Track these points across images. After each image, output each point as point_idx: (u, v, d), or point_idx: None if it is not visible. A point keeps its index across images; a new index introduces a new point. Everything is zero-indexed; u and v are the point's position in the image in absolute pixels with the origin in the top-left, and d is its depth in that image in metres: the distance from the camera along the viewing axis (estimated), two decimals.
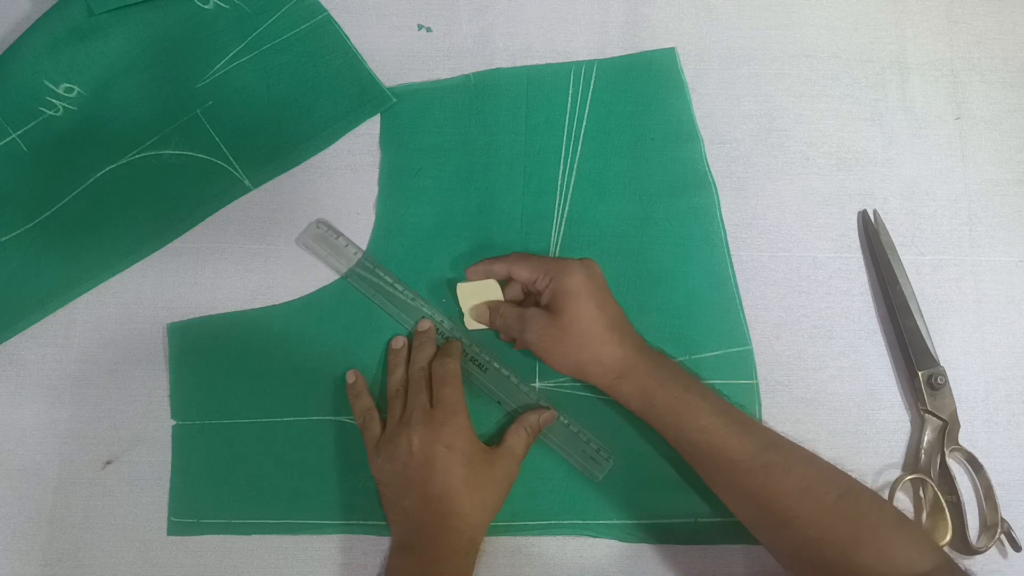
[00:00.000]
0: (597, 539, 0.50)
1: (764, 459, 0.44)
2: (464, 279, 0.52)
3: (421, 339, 0.52)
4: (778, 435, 0.46)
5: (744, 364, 0.53)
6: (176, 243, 0.55)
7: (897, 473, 0.52)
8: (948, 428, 0.51)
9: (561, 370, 0.48)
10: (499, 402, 0.52)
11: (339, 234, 0.54)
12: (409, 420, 0.48)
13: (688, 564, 0.50)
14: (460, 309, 0.52)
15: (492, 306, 0.51)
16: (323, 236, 0.54)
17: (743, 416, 0.46)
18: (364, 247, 0.55)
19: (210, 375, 0.52)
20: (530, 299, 0.51)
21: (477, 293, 0.51)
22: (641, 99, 0.57)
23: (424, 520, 0.46)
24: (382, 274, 0.53)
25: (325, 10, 0.58)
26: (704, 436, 0.45)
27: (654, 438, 0.51)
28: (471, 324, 0.52)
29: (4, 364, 0.53)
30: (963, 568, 0.41)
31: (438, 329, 0.53)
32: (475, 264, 0.51)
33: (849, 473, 0.45)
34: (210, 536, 0.50)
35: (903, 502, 0.51)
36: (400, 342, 0.52)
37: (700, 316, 0.53)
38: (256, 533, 0.50)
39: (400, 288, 0.53)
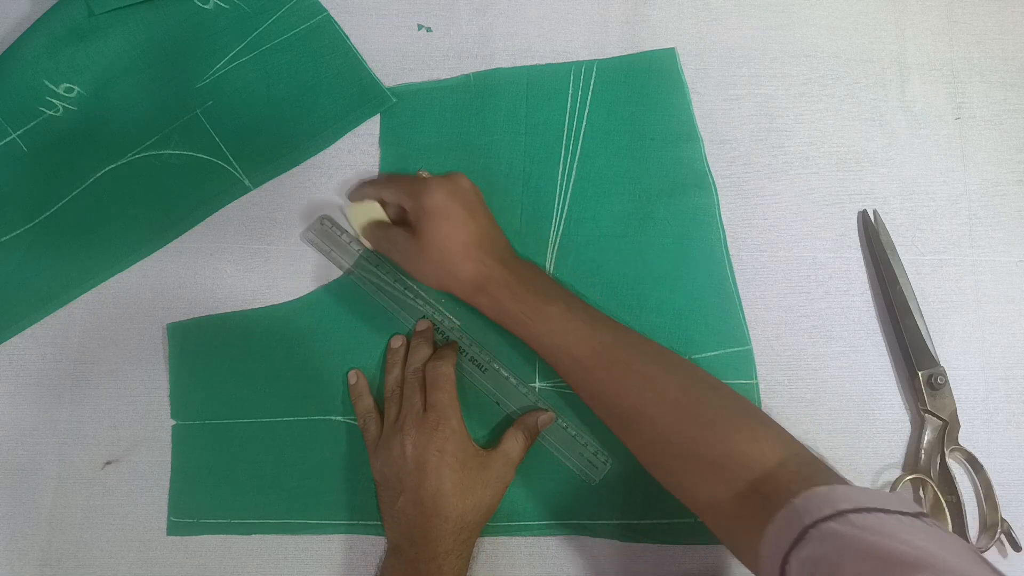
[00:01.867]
0: (597, 539, 0.50)
1: (609, 357, 0.44)
2: None
3: (418, 339, 0.52)
4: (631, 333, 0.47)
5: (744, 364, 0.53)
6: (176, 243, 0.55)
7: (897, 473, 0.52)
8: (948, 428, 0.51)
9: (430, 286, 0.50)
10: (498, 403, 0.52)
11: (343, 231, 0.54)
12: (403, 424, 0.48)
13: (688, 564, 0.50)
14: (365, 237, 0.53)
15: (369, 226, 0.52)
16: (327, 232, 0.54)
17: (598, 316, 0.47)
18: (364, 248, 0.55)
19: (210, 375, 0.52)
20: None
21: (363, 213, 0.52)
22: (641, 99, 0.57)
23: (416, 522, 0.46)
24: (382, 274, 0.53)
25: (325, 10, 0.58)
26: (553, 339, 0.46)
27: None
28: (365, 241, 0.53)
29: (4, 364, 0.53)
30: (818, 457, 0.40)
31: (438, 329, 0.53)
32: (353, 186, 0.54)
33: (726, 383, 0.45)
34: (210, 536, 0.50)
35: None
36: (399, 341, 0.53)
37: (700, 316, 0.53)
38: (256, 533, 0.50)
39: (400, 288, 0.53)
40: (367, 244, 0.53)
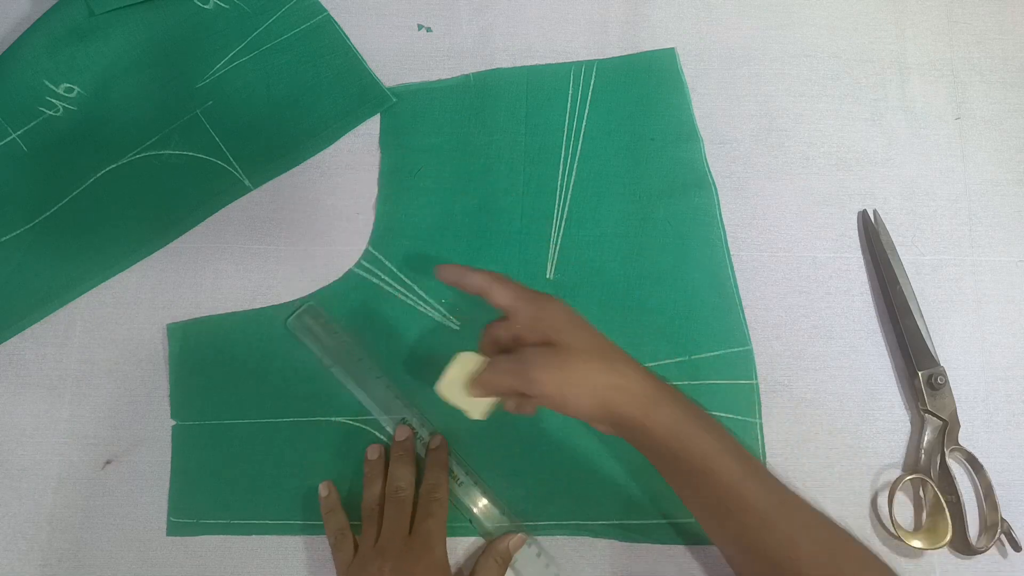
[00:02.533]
0: (597, 539, 0.50)
1: (783, 514, 0.39)
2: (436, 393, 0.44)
3: (398, 452, 0.49)
4: (785, 485, 0.41)
5: (744, 364, 0.53)
6: (176, 243, 0.55)
7: (897, 473, 0.52)
8: (948, 428, 0.51)
9: (581, 409, 0.39)
10: (470, 521, 0.49)
11: (327, 323, 0.53)
12: (384, 549, 0.45)
13: (688, 564, 0.50)
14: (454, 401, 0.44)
15: (485, 369, 0.42)
16: (306, 327, 0.52)
17: (752, 457, 0.41)
18: (364, 248, 0.55)
19: (210, 375, 0.52)
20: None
21: (461, 368, 0.43)
22: (641, 99, 0.57)
23: None
24: (364, 368, 0.51)
25: (325, 10, 0.58)
26: (707, 461, 0.39)
27: None
28: (471, 404, 0.43)
29: (4, 364, 0.53)
30: None
31: (416, 434, 0.51)
32: (447, 265, 0.44)
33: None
34: (210, 536, 0.50)
35: (903, 502, 0.51)
36: (376, 452, 0.50)
37: (700, 316, 0.53)
38: (256, 533, 0.50)
39: (382, 386, 0.51)
40: (474, 407, 0.43)
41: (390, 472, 0.49)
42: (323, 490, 0.50)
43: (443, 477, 0.49)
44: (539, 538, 0.50)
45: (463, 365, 0.43)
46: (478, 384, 0.42)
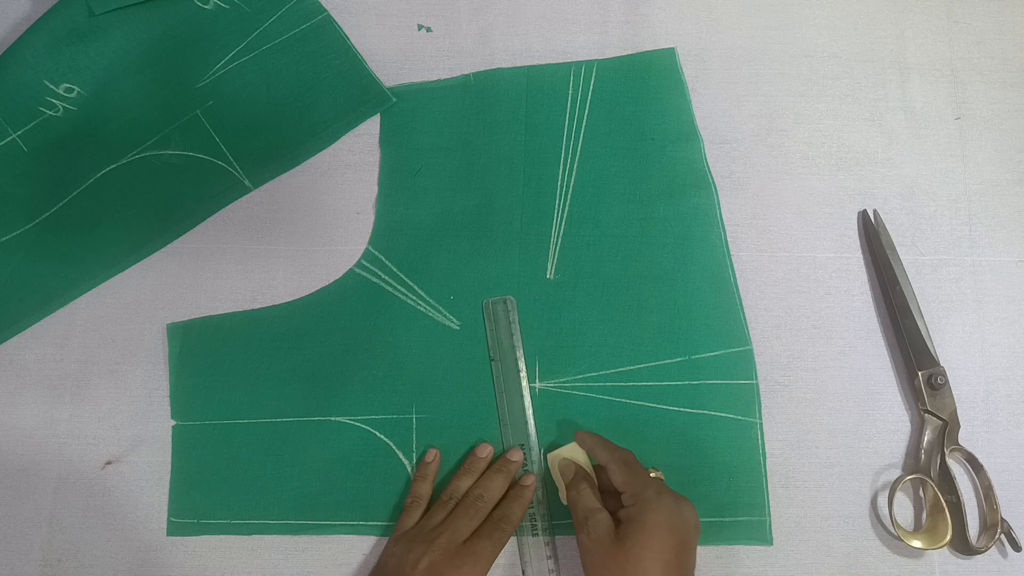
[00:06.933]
0: None
1: None
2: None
3: (502, 466, 0.50)
4: None
5: (744, 364, 0.53)
6: (176, 243, 0.55)
7: (897, 473, 0.52)
8: (948, 428, 0.51)
9: None
10: (523, 571, 0.49)
11: (512, 321, 0.53)
12: (435, 538, 0.45)
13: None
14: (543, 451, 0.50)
15: (578, 473, 0.48)
16: (494, 314, 0.52)
17: None
18: (364, 248, 0.55)
19: (210, 375, 0.52)
20: (616, 498, 0.46)
21: (570, 451, 0.49)
22: (641, 99, 0.57)
23: None
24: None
25: (325, 10, 0.58)
26: None
27: (654, 439, 0.51)
28: (560, 480, 0.49)
29: (4, 364, 0.53)
30: None
31: (524, 462, 0.51)
32: (588, 433, 0.49)
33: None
34: (210, 536, 0.50)
35: (903, 502, 0.51)
36: (485, 451, 0.51)
37: (700, 316, 0.53)
38: (256, 533, 0.50)
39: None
40: (561, 489, 0.49)
41: (483, 479, 0.49)
42: (429, 455, 0.51)
43: (519, 513, 0.48)
44: (536, 538, 0.50)
45: (574, 453, 0.49)
46: (564, 470, 0.48)
